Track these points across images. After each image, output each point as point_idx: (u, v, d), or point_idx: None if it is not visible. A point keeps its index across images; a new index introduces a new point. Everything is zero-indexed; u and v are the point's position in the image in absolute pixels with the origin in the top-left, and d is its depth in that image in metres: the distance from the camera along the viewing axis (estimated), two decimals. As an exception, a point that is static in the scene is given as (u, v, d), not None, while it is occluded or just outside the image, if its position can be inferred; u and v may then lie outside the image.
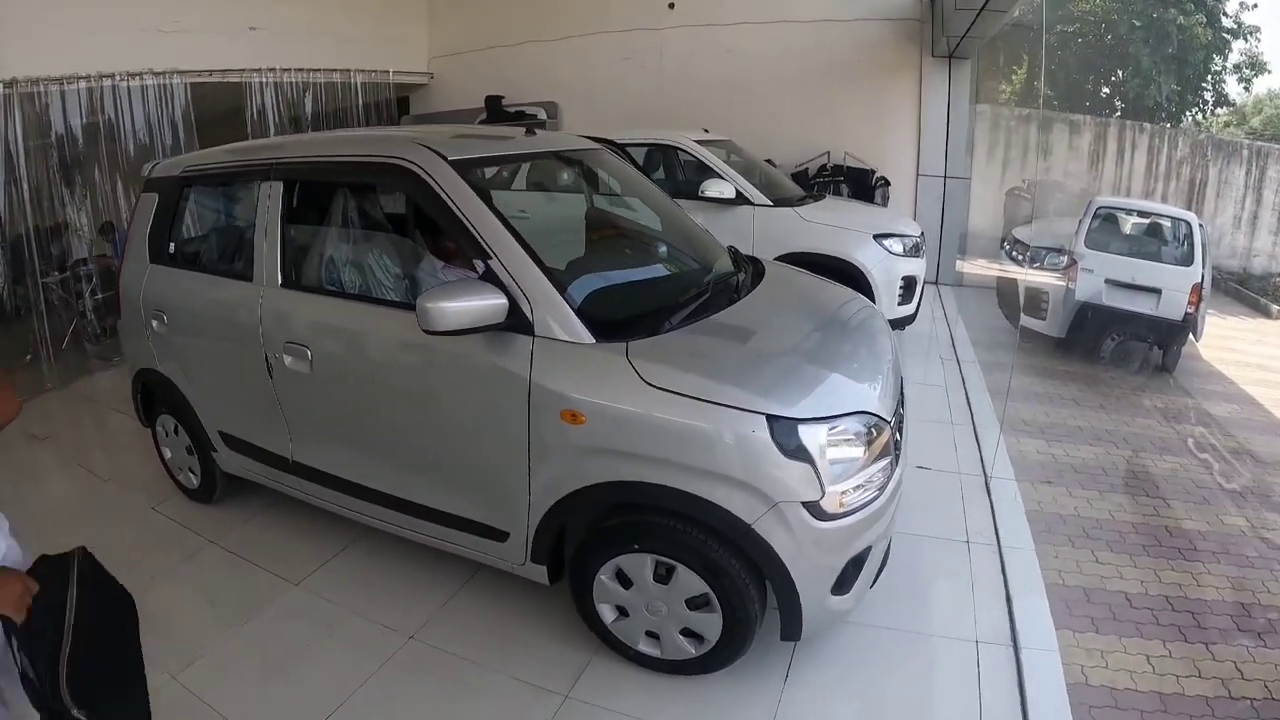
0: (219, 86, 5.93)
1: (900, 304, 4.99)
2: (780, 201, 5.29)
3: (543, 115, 8.64)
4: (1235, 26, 8.54)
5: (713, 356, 2.14)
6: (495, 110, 8.52)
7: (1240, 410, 5.41)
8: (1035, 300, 5.99)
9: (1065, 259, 5.88)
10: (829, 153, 7.39)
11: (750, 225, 5.20)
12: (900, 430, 2.38)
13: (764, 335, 2.37)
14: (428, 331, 2.01)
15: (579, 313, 2.14)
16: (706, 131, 5.95)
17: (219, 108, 5.99)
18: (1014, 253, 6.70)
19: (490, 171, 2.81)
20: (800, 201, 5.41)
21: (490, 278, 2.16)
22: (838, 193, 7.01)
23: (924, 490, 3.36)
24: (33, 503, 3.57)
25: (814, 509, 1.93)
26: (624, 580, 2.20)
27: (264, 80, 6.28)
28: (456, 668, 2.40)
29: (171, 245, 3.16)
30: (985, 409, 4.35)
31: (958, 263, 7.49)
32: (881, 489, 2.08)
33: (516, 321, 2.13)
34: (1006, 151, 7.94)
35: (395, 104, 8.40)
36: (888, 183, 7.16)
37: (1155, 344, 5.70)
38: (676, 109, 7.41)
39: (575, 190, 3.47)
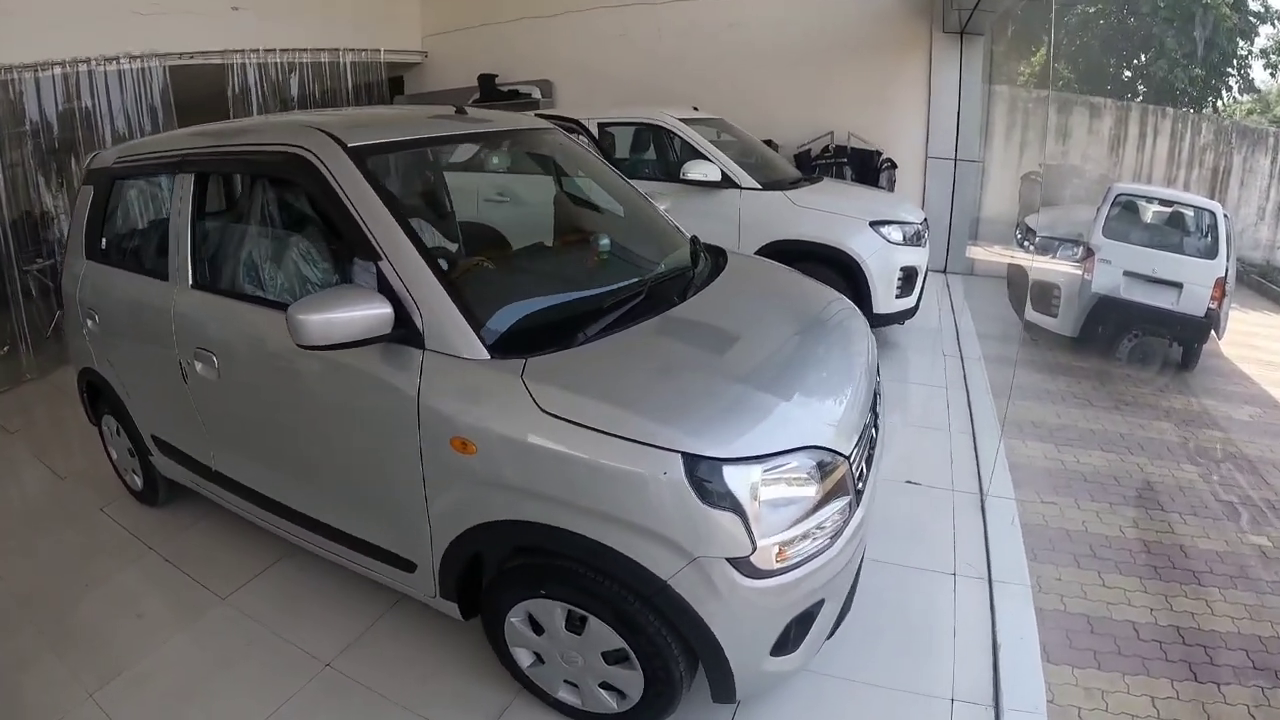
0: (200, 69, 5.66)
1: (899, 297, 4.57)
2: (771, 185, 4.85)
3: (537, 94, 8.26)
4: (1263, 10, 7.83)
5: (625, 376, 1.79)
6: (489, 89, 8.17)
7: (1263, 414, 4.93)
8: (1045, 294, 5.46)
9: (1081, 249, 5.35)
10: (832, 133, 6.91)
11: (736, 210, 4.79)
12: (870, 456, 2.05)
13: (699, 347, 2.02)
14: (301, 346, 1.72)
15: (475, 322, 1.83)
16: (696, 110, 5.54)
17: (200, 91, 5.73)
18: (1025, 241, 6.15)
19: (401, 161, 2.50)
20: (793, 185, 4.96)
21: (381, 282, 1.87)
22: (840, 175, 6.55)
23: (911, 510, 3.03)
24: (-9, 503, 3.45)
25: (743, 566, 1.59)
26: (536, 626, 1.93)
27: (247, 61, 5.98)
28: (369, 703, 2.18)
29: (103, 241, 2.94)
30: (987, 413, 3.95)
31: (969, 249, 6.98)
32: (836, 535, 1.73)
33: (407, 333, 1.84)
34: (1023, 134, 7.34)
35: (387, 84, 8.05)
36: (894, 165, 6.66)
37: (1175, 341, 5.18)
38: (675, 87, 6.98)
39: (505, 176, 3.14)
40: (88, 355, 3.05)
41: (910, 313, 4.70)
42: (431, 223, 2.37)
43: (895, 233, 4.54)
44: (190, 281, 2.44)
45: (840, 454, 1.74)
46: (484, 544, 1.88)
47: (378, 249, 1.87)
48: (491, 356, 1.79)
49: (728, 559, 1.58)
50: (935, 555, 2.75)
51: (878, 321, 4.48)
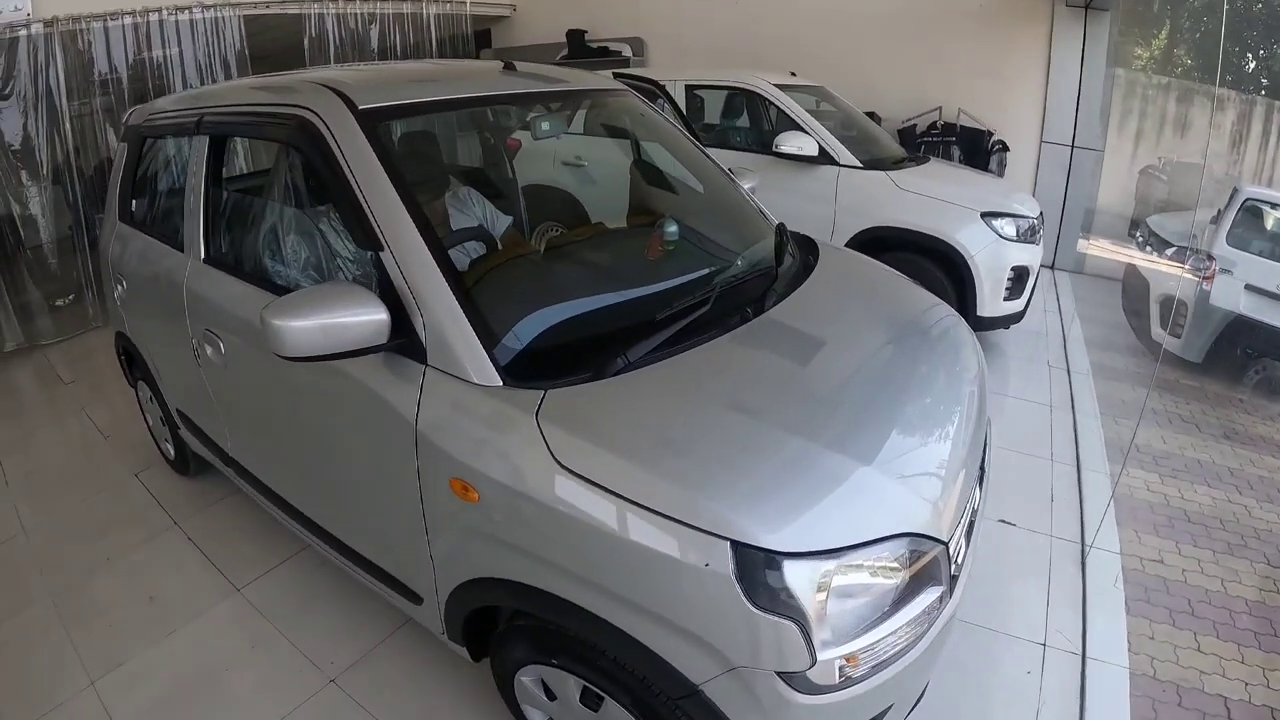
0: (275, 19, 5.43)
1: (1007, 299, 3.96)
2: (873, 163, 4.26)
3: (627, 52, 7.77)
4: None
5: (673, 423, 1.36)
6: (577, 46, 7.74)
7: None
8: (1169, 311, 4.64)
9: (1206, 261, 4.52)
10: (940, 109, 6.19)
11: (833, 190, 4.23)
12: (972, 522, 1.62)
13: (775, 385, 1.53)
14: (278, 356, 1.40)
15: (488, 336, 1.46)
16: (794, 75, 4.97)
17: (276, 44, 5.55)
18: (1147, 245, 5.31)
19: (429, 126, 2.14)
20: (898, 164, 4.35)
21: (382, 277, 1.54)
22: (948, 156, 5.86)
23: (1002, 557, 2.56)
24: (34, 457, 3.44)
25: (798, 681, 1.22)
26: (549, 690, 1.61)
27: (325, 11, 5.70)
28: None
29: (133, 203, 2.74)
30: (1094, 442, 3.38)
31: (1080, 244, 6.18)
32: (920, 636, 1.34)
33: (408, 342, 1.50)
34: (1143, 123, 6.37)
35: (473, 38, 7.69)
36: (1005, 147, 5.91)
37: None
38: (772, 50, 6.39)
39: (558, 149, 2.73)
40: (120, 320, 2.90)
41: (1018, 317, 4.10)
42: (460, 203, 2.02)
43: (1008, 227, 3.94)
44: (202, 255, 2.19)
45: (937, 540, 1.33)
46: (491, 599, 1.55)
47: (379, 236, 1.53)
48: (505, 383, 1.42)
49: (778, 672, 1.20)
50: (1025, 618, 2.30)
51: (982, 325, 3.94)
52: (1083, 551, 2.60)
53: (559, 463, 1.29)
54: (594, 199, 2.60)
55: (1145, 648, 2.51)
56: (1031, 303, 4.21)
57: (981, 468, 1.70)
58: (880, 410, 1.51)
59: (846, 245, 4.14)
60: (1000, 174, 5.83)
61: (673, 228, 2.08)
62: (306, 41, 5.84)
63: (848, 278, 2.20)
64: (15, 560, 2.73)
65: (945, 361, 1.81)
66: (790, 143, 4.20)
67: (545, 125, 2.12)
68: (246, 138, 2.09)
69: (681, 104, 4.80)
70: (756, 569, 1.17)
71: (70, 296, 4.61)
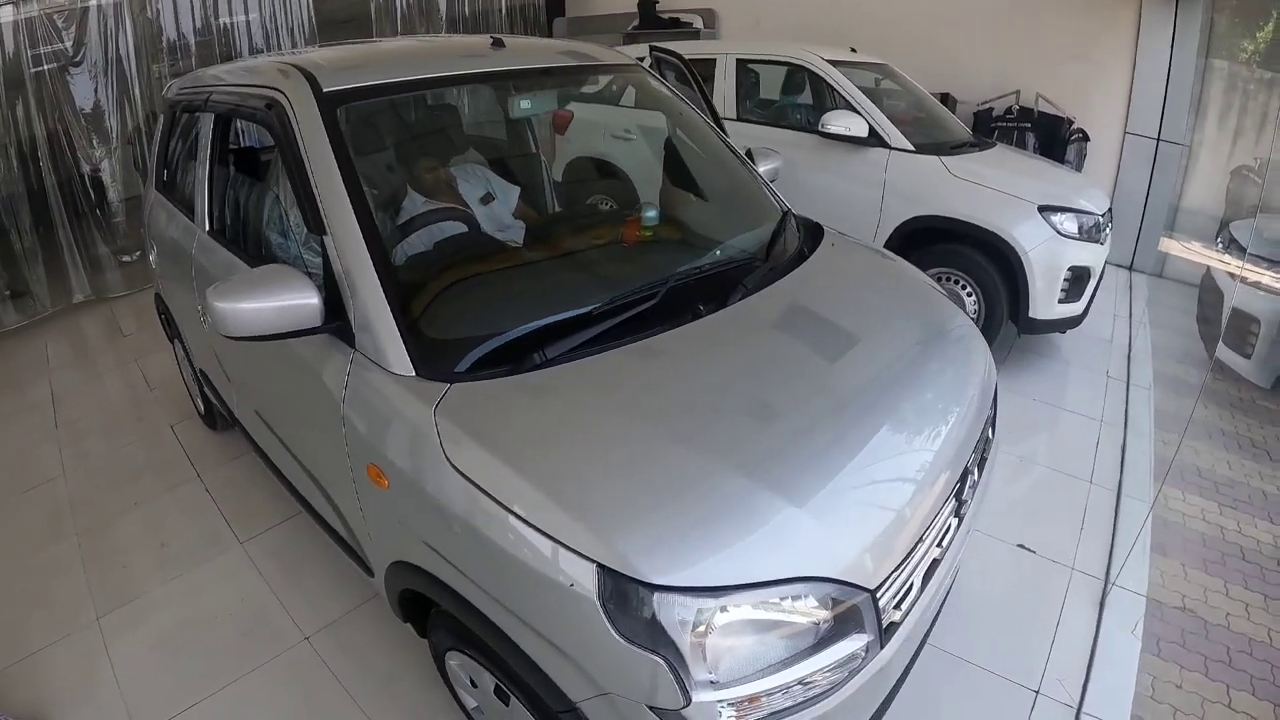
0: (344, -14, 5.59)
1: (1063, 301, 3.66)
2: (928, 147, 3.99)
3: (699, 23, 7.58)
4: None
5: (573, 429, 1.31)
6: (648, 16, 7.58)
7: None
8: (1241, 328, 4.14)
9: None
10: (1018, 92, 5.75)
11: (882, 174, 3.99)
12: (946, 549, 1.50)
13: (705, 388, 1.43)
14: (222, 335, 1.44)
15: (407, 323, 1.46)
16: (854, 51, 4.71)
17: (344, 12, 5.68)
18: (1227, 251, 4.75)
19: (399, 108, 2.10)
20: (955, 149, 4.07)
21: (325, 260, 1.55)
22: (1021, 143, 5.45)
23: (1012, 586, 2.40)
24: (85, 403, 3.69)
25: (672, 719, 1.15)
26: (472, 678, 1.61)
27: (393, -23, 5.81)
28: (327, 693, 2.05)
29: (165, 172, 2.88)
30: (1142, 468, 3.10)
31: (1161, 244, 5.65)
32: (836, 686, 1.22)
33: (343, 326, 1.51)
34: (1240, 119, 5.70)
35: (545, 6, 7.57)
36: (1085, 137, 5.44)
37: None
38: (849, 24, 6.03)
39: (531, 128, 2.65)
40: (157, 281, 3.08)
41: (1075, 321, 3.79)
42: (423, 185, 1.99)
43: (1069, 223, 3.63)
44: (207, 227, 2.29)
45: (862, 588, 1.21)
46: (412, 584, 1.55)
47: (323, 219, 1.54)
48: (417, 373, 1.41)
49: (650, 707, 1.14)
50: (1023, 658, 2.13)
51: (1034, 328, 3.68)
52: (1104, 589, 2.39)
53: (449, 461, 1.28)
54: (549, 185, 2.53)
55: (1168, 696, 2.30)
56: (1094, 306, 3.89)
57: (960, 498, 1.55)
58: (831, 433, 1.38)
59: (892, 234, 3.94)
60: (1079, 165, 5.40)
61: (652, 213, 2.01)
62: (374, 8, 5.94)
63: (843, 273, 2.05)
64: (54, 498, 2.96)
65: (935, 377, 1.65)
66: (838, 122, 3.98)
67: (524, 104, 2.07)
68: (237, 117, 2.15)
69: (732, 79, 4.64)
70: (624, 597, 1.11)
71: (136, 253, 4.90)
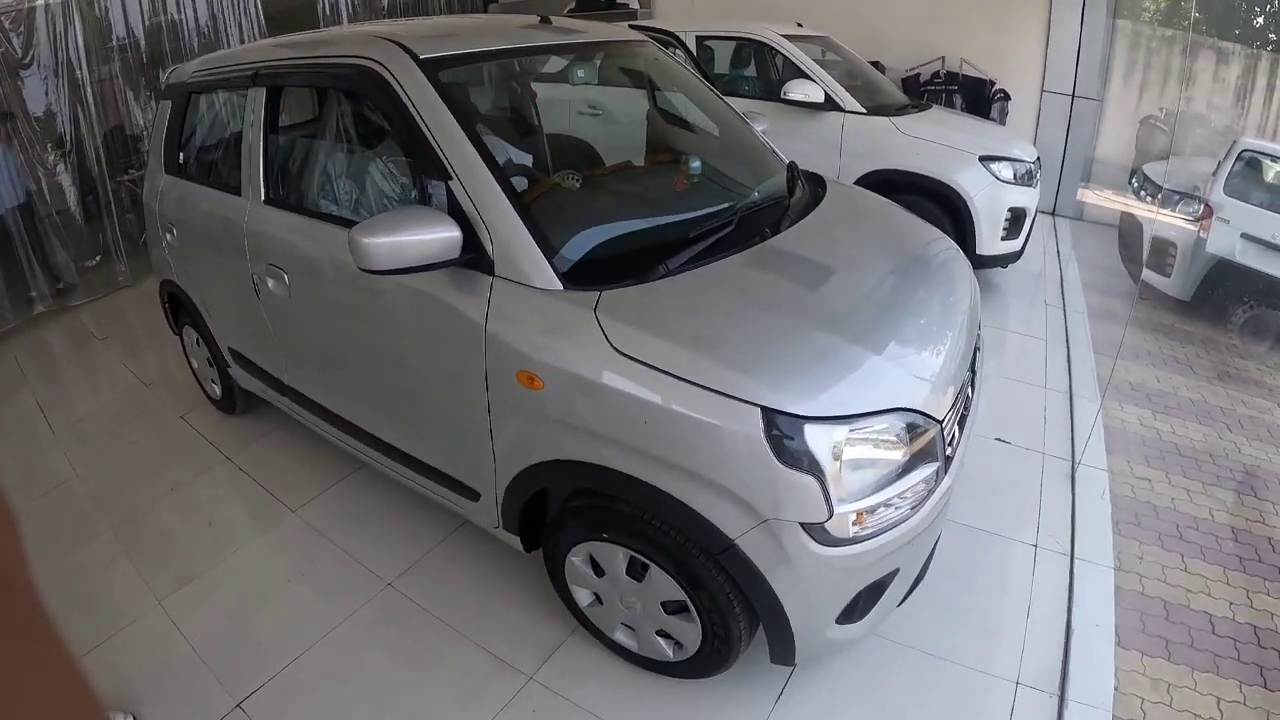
0: (288, -23, 5.56)
1: (1005, 239, 4.19)
2: (876, 110, 4.47)
3: (635, 4, 7.86)
4: None
5: (708, 316, 1.61)
6: (585, -1, 7.83)
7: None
8: (1161, 252, 4.87)
9: (1200, 206, 4.72)
10: (944, 59, 6.33)
11: (839, 136, 4.46)
12: (964, 416, 1.86)
13: (790, 286, 1.81)
14: (364, 270, 1.63)
15: (548, 249, 1.69)
16: (800, 26, 5.13)
17: (289, 2, 5.66)
18: (1142, 191, 5.50)
19: (479, 73, 2.35)
20: (900, 111, 4.56)
21: (451, 203, 1.75)
22: (950, 104, 6.02)
23: (997, 470, 2.81)
24: (79, 407, 3.65)
25: (817, 532, 1.46)
26: (597, 567, 1.85)
27: (336, -31, 5.82)
28: (426, 627, 2.19)
29: (181, 156, 2.94)
30: (1086, 373, 3.62)
31: (1079, 193, 6.36)
32: (919, 504, 1.57)
33: (476, 257, 1.72)
34: (1145, 74, 6.49)
35: None
36: (1007, 96, 6.06)
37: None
38: (777, 2, 6.47)
39: (594, 91, 2.94)
40: (168, 267, 3.10)
41: (1015, 256, 4.32)
42: (511, 139, 2.24)
43: (1006, 170, 4.14)
44: (263, 197, 2.40)
45: (933, 418, 1.56)
46: (548, 481, 1.80)
47: (448, 167, 1.75)
48: (565, 287, 1.66)
49: (801, 523, 1.44)
50: (1018, 523, 2.56)
51: (981, 263, 4.16)
52: (1073, 467, 2.84)
53: (616, 349, 1.53)
54: (620, 140, 2.81)
55: (1134, 566, 2.75)
56: (1029, 244, 4.42)
57: (972, 369, 1.95)
58: (887, 315, 1.75)
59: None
60: (1002, 122, 6.00)
61: (695, 163, 2.31)
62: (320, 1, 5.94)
63: (854, 208, 2.44)
64: (73, 499, 2.89)
65: (942, 284, 2.03)
66: (797, 90, 4.39)
67: (580, 73, 2.35)
68: (307, 87, 2.31)
69: (693, 54, 4.96)
70: (783, 432, 1.40)
71: (98, 258, 4.79)
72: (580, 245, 1.76)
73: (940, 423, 1.58)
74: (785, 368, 1.48)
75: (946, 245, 2.29)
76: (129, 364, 4.00)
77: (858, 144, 4.39)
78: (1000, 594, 2.30)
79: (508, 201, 1.71)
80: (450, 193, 1.74)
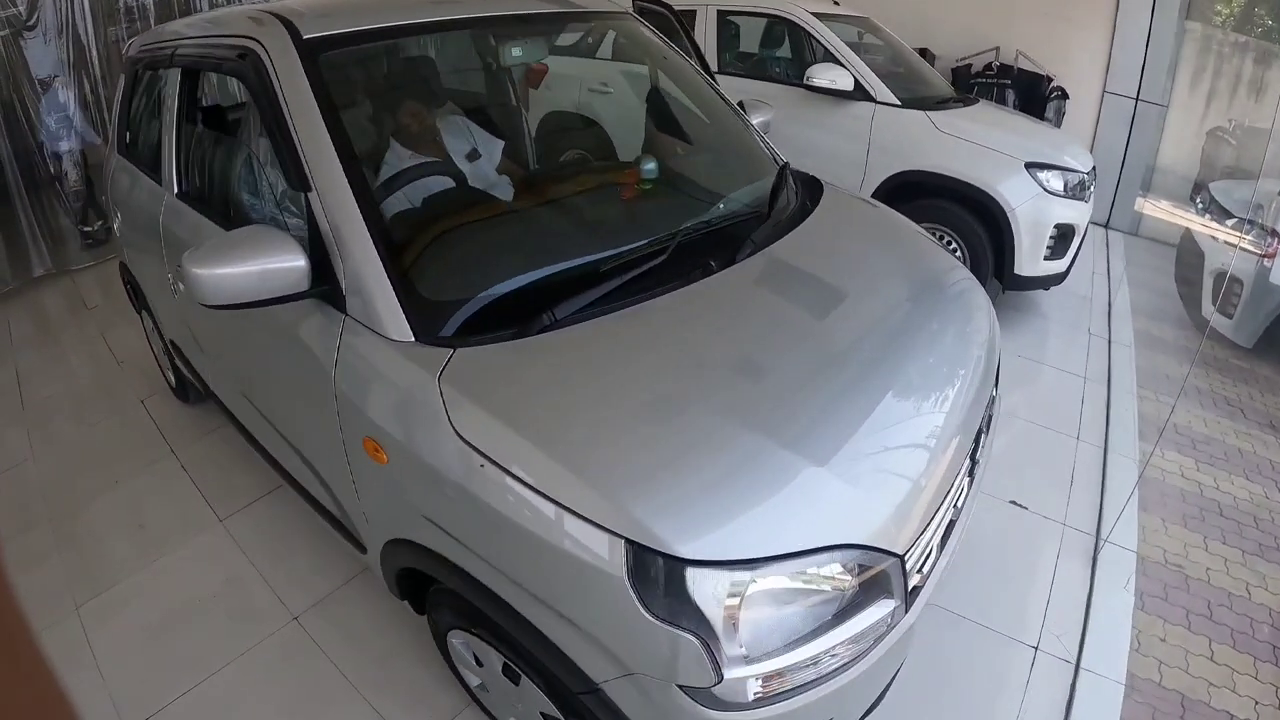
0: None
1: (1048, 258, 3.62)
2: (913, 102, 3.88)
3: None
4: None
5: (582, 396, 1.20)
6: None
7: None
8: (1226, 290, 4.12)
9: (1272, 240, 3.96)
10: (998, 49, 5.66)
11: (867, 128, 3.89)
12: (971, 475, 1.46)
13: (719, 350, 1.35)
14: (202, 305, 1.32)
15: (405, 287, 1.33)
16: (836, 4, 4.57)
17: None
18: (1206, 211, 4.73)
19: (383, 56, 1.96)
20: (940, 105, 3.97)
21: (310, 221, 1.41)
22: (1001, 100, 5.38)
23: (1006, 543, 2.37)
24: (52, 382, 3.50)
25: (703, 696, 1.08)
26: (477, 657, 1.53)
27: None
28: (322, 675, 1.95)
29: (127, 135, 2.68)
30: (1127, 423, 3.10)
31: (1137, 204, 5.64)
32: (863, 654, 1.17)
33: (331, 290, 1.39)
34: (1215, 81, 5.66)
35: None
36: (1065, 95, 5.38)
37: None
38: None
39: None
40: (121, 250, 2.89)
41: (1059, 278, 3.75)
42: (408, 140, 1.86)
43: (1055, 180, 3.57)
44: (175, 190, 2.12)
45: (891, 553, 1.15)
46: (412, 562, 1.46)
47: (308, 176, 1.41)
48: (417, 338, 1.30)
49: (680, 686, 1.07)
50: (1020, 614, 2.12)
51: (1019, 284, 3.64)
52: (1096, 546, 2.38)
53: (457, 432, 1.17)
54: (557, 138, 2.41)
55: (1154, 650, 2.30)
56: (1077, 263, 3.85)
57: (974, 458, 1.50)
58: (852, 394, 1.30)
59: (878, 188, 3.86)
60: (1058, 123, 5.35)
61: (650, 165, 1.89)
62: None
63: (847, 228, 1.97)
64: (24, 484, 2.78)
65: (945, 335, 1.58)
66: (823, 75, 3.86)
67: (516, 51, 1.92)
68: (206, 71, 1.98)
69: (714, 32, 4.47)
70: (655, 574, 1.03)
71: (99, 223, 4.64)
72: (447, 282, 1.40)
73: (901, 556, 1.17)
74: (674, 486, 1.07)
75: (960, 285, 1.80)
76: (109, 337, 3.83)
77: (888, 139, 3.85)
78: (986, 706, 1.89)
79: (363, 224, 1.36)
80: (310, 207, 1.40)
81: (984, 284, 3.66)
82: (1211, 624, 2.43)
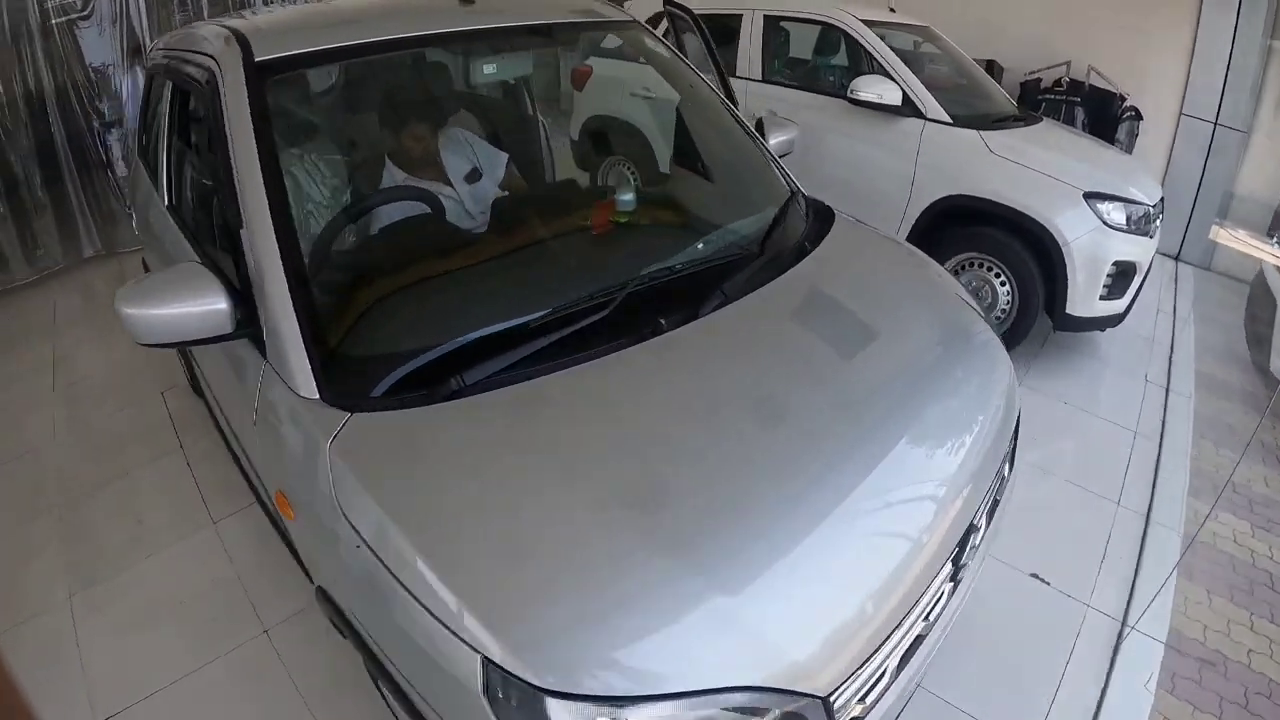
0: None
1: (1105, 297, 3.29)
2: (967, 119, 3.59)
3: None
4: None
5: (474, 483, 1.08)
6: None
7: None
8: None
9: None
10: (1069, 64, 5.25)
11: (915, 147, 3.61)
12: (932, 625, 1.25)
13: (651, 432, 1.18)
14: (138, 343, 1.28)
15: (316, 337, 1.24)
16: (892, 10, 4.27)
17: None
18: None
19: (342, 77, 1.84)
20: (997, 124, 3.67)
21: (239, 258, 1.34)
22: (1070, 119, 4.99)
23: (1018, 624, 2.13)
24: (84, 366, 3.59)
25: None
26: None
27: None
28: (281, 698, 1.92)
29: (143, 139, 2.69)
30: (1174, 491, 2.78)
31: (1211, 233, 5.14)
32: None
33: (255, 332, 1.31)
34: None
35: None
36: (1138, 115, 4.94)
37: None
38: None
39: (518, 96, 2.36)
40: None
41: (1116, 319, 3.42)
42: (450, 145, 1.74)
43: (1117, 212, 3.25)
44: (165, 201, 2.10)
45: (811, 695, 0.98)
46: (330, 613, 1.36)
47: (240, 210, 1.33)
48: (322, 396, 1.20)
49: None
50: (1021, 709, 1.88)
51: (1070, 324, 3.33)
52: (1120, 633, 2.12)
53: (339, 507, 1.06)
54: (530, 162, 2.26)
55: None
56: (1138, 301, 3.52)
57: (957, 563, 1.29)
58: (804, 503, 1.11)
59: (923, 212, 3.59)
60: (1129, 146, 4.94)
61: (628, 196, 1.71)
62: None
63: (847, 274, 1.72)
64: (40, 468, 2.85)
65: (943, 420, 1.35)
66: (869, 88, 3.60)
67: (489, 69, 1.79)
68: (183, 87, 1.92)
69: (759, 38, 4.25)
70: (510, 698, 0.91)
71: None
72: (362, 335, 1.30)
73: (827, 698, 0.99)
74: (554, 610, 0.94)
75: (975, 354, 1.54)
76: (144, 323, 3.90)
77: (936, 160, 3.57)
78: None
79: (280, 264, 1.26)
80: (242, 244, 1.32)
81: (1033, 320, 3.39)
82: (1248, 716, 2.16)
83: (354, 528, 1.05)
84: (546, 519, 1.03)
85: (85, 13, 4.10)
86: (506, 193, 1.93)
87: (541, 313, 1.31)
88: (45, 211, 4.28)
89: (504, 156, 2.11)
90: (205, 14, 4.58)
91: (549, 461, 1.11)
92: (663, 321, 1.36)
